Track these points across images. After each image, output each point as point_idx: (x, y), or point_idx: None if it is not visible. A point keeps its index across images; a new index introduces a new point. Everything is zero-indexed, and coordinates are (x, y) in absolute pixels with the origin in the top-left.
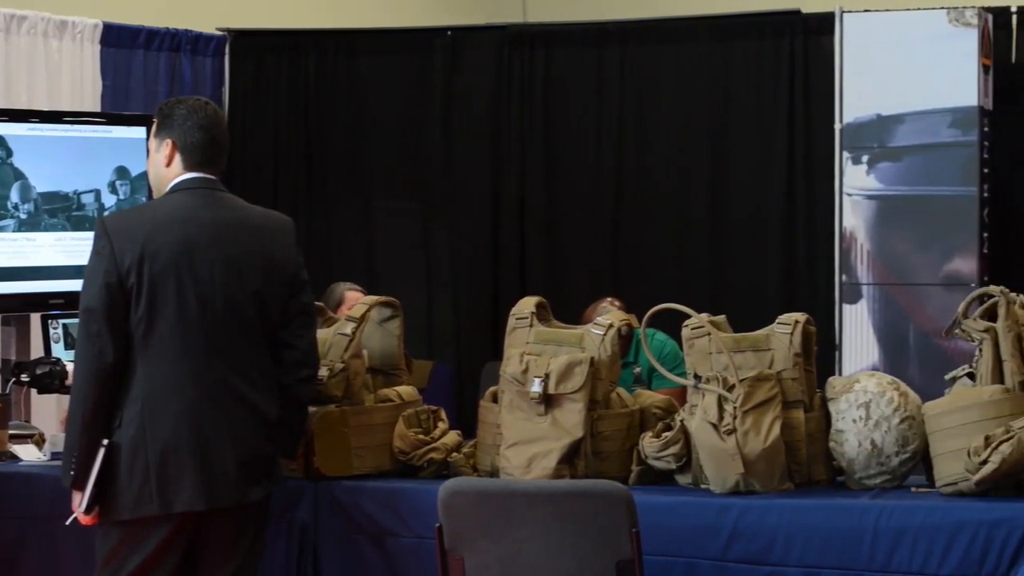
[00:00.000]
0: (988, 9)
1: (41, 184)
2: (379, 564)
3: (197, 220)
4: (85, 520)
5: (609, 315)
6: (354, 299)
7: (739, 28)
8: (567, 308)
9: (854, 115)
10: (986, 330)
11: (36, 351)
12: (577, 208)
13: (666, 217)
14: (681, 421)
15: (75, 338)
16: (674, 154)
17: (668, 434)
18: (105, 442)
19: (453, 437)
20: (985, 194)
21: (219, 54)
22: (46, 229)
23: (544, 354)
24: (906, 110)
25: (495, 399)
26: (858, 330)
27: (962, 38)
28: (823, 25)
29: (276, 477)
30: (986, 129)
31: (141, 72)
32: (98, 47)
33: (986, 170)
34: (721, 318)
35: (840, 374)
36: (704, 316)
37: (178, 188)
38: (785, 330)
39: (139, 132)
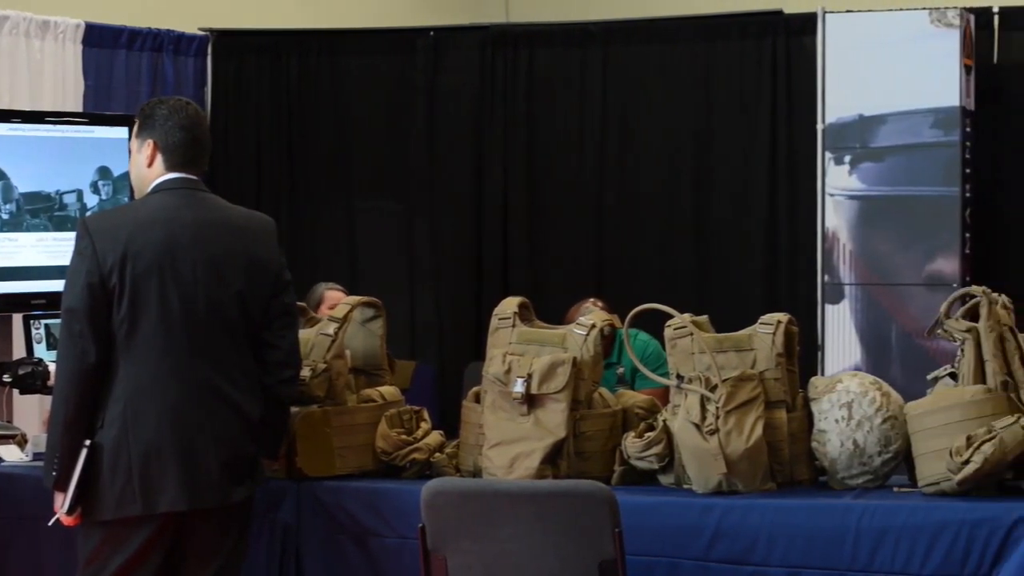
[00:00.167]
0: (970, 10)
1: (23, 184)
2: (362, 564)
3: (179, 220)
4: (67, 521)
5: (592, 315)
6: (333, 298)
7: (721, 28)
8: (550, 308)
9: (836, 115)
10: (968, 330)
11: (18, 351)
12: (560, 208)
13: (649, 217)
14: (664, 421)
15: (57, 338)
16: (657, 154)
17: (651, 434)
18: (87, 443)
19: (436, 437)
20: (967, 194)
21: (201, 54)
22: (28, 229)
23: (527, 354)
24: (888, 110)
25: (478, 399)
26: (840, 330)
27: (944, 38)
28: (805, 25)
29: (259, 477)
30: (968, 129)
31: (123, 72)
32: (80, 47)
33: (968, 170)
34: (704, 318)
35: (822, 374)
36: (687, 316)
37: (160, 188)
38: (767, 330)
39: (121, 132)
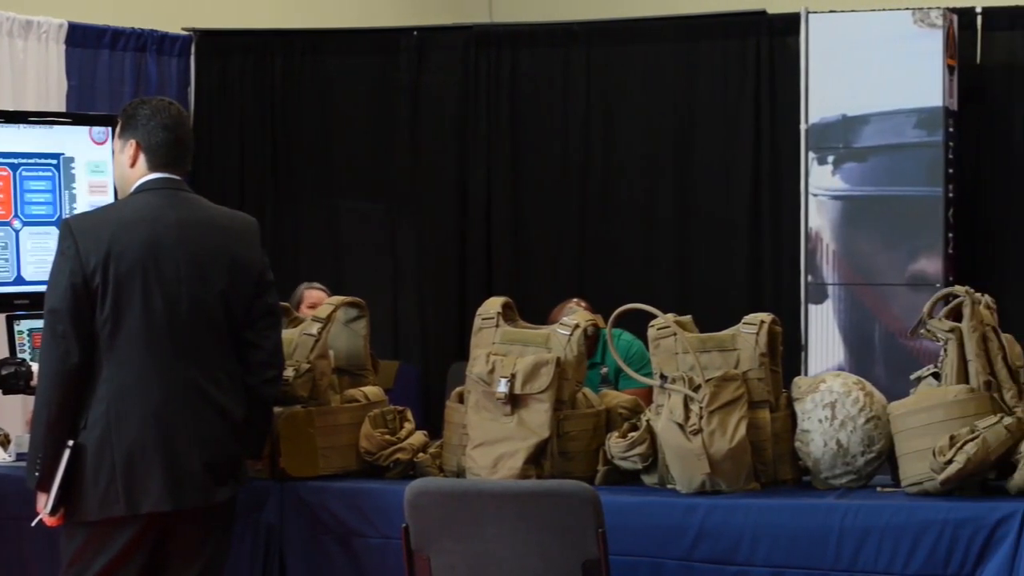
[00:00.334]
0: (953, 10)
1: None
2: (345, 564)
3: (163, 220)
4: (51, 521)
5: (575, 315)
6: (313, 296)
7: (705, 29)
8: (533, 308)
9: (820, 115)
10: (951, 330)
11: (0, 352)
12: (543, 208)
13: (632, 217)
14: (647, 421)
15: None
16: (640, 154)
17: (634, 434)
18: (71, 443)
19: (419, 437)
20: (950, 194)
21: (185, 54)
22: None
23: (510, 354)
24: (871, 110)
25: (461, 399)
26: (824, 330)
27: (927, 39)
28: (789, 26)
29: (242, 478)
30: (951, 130)
31: (107, 72)
32: (63, 47)
33: (951, 171)
34: (687, 318)
35: (806, 374)
36: (670, 316)
37: (143, 188)
38: (751, 330)
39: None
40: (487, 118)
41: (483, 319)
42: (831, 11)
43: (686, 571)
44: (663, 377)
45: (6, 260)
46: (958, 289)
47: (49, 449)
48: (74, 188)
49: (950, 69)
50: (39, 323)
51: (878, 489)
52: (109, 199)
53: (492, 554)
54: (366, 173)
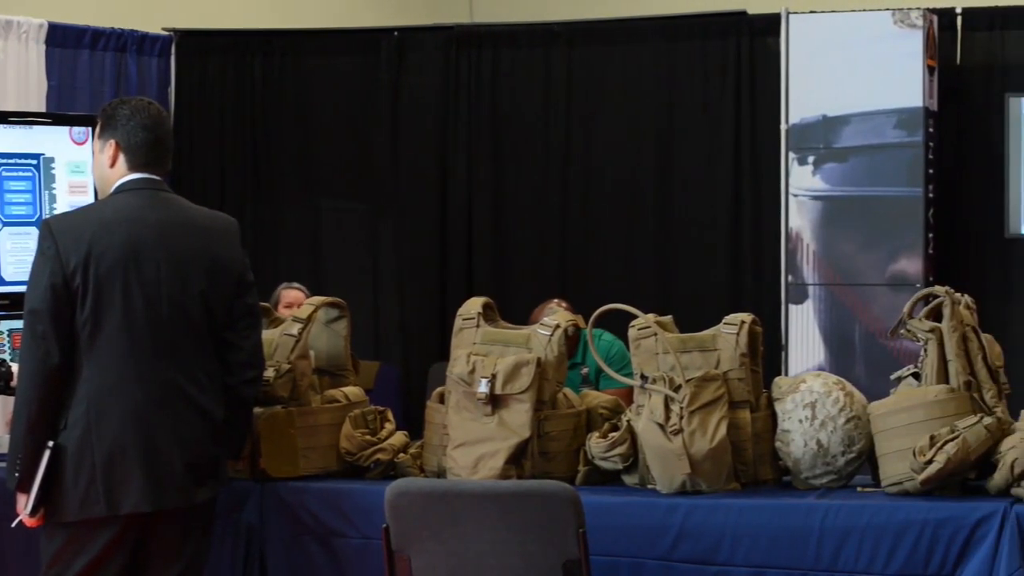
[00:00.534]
0: (933, 10)
1: None
2: (326, 565)
3: (143, 221)
4: (30, 522)
5: (556, 316)
6: (291, 296)
7: (685, 29)
8: (514, 309)
9: (800, 116)
10: (931, 330)
11: None
12: (524, 209)
13: (613, 217)
14: (628, 421)
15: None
16: (620, 154)
17: (615, 434)
18: (51, 444)
19: (400, 438)
20: (930, 195)
21: (165, 54)
22: None
23: (491, 354)
24: (852, 111)
25: (442, 400)
26: (804, 330)
27: (907, 39)
28: (769, 26)
29: (222, 478)
30: (931, 130)
31: (87, 72)
32: (43, 47)
33: (931, 171)
34: (668, 318)
35: (786, 374)
36: (651, 316)
37: (123, 189)
38: (731, 330)
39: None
40: (468, 118)
41: (464, 319)
42: (811, 12)
43: (666, 571)
44: (644, 377)
45: None
46: (938, 289)
47: (29, 449)
48: (54, 188)
49: (930, 70)
50: (19, 323)
51: (858, 489)
52: (89, 199)
53: (473, 554)
54: (346, 173)
